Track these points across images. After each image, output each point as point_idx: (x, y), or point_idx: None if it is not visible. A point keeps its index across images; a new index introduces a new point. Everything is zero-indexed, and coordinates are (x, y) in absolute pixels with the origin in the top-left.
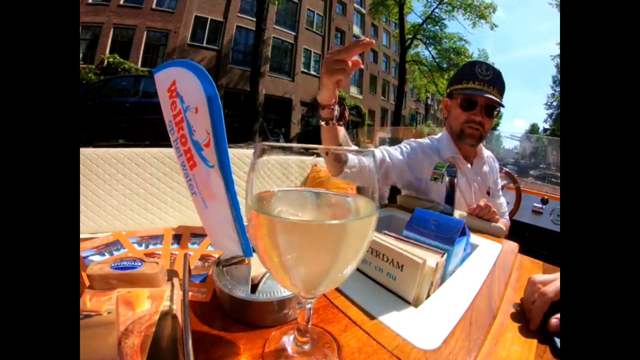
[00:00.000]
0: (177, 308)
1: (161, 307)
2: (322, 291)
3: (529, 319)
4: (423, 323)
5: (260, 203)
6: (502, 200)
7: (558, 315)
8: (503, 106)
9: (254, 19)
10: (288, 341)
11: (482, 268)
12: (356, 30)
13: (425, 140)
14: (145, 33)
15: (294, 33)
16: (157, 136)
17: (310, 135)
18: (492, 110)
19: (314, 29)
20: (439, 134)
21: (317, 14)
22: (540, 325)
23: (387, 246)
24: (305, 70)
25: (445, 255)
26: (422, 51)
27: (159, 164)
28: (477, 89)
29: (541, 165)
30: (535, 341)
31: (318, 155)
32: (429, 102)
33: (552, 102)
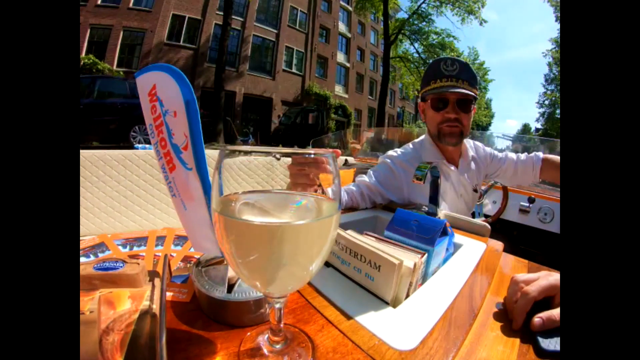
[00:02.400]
0: (157, 307)
1: (141, 307)
2: (289, 290)
3: (512, 318)
4: (401, 323)
5: (224, 205)
6: (511, 155)
7: (541, 315)
8: (476, 97)
9: (234, 17)
10: (263, 340)
11: (465, 268)
12: (342, 27)
13: (405, 150)
14: (121, 33)
15: (275, 31)
16: (108, 139)
17: (280, 134)
18: (466, 104)
19: (297, 27)
20: (421, 137)
21: (300, 11)
22: (523, 325)
23: (365, 247)
24: (287, 69)
25: (426, 256)
26: (409, 47)
27: (146, 166)
28: (445, 86)
29: None
30: (518, 340)
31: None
32: (419, 100)
33: (544, 101)
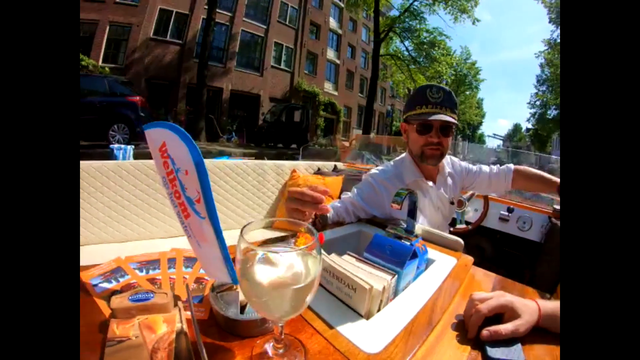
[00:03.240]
0: (186, 327)
1: (175, 328)
2: (289, 318)
3: (467, 329)
4: (371, 332)
5: (243, 265)
6: (484, 168)
7: (489, 328)
8: (457, 125)
9: (222, 12)
10: (269, 347)
11: (432, 284)
12: (333, 24)
13: (387, 169)
14: (107, 28)
15: (264, 26)
16: (87, 138)
17: (264, 132)
18: (448, 129)
19: (287, 22)
20: (402, 156)
21: (291, 6)
22: (476, 335)
23: (343, 272)
24: (276, 65)
25: (396, 277)
26: (400, 45)
27: (142, 176)
28: (430, 112)
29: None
30: (469, 347)
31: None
32: (402, 121)
33: (535, 102)
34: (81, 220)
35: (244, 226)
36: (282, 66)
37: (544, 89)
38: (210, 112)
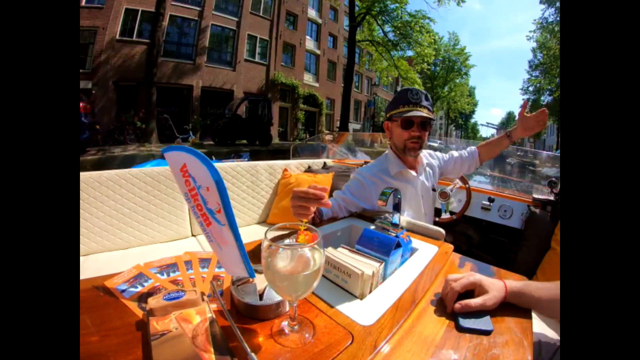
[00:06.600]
0: (214, 316)
1: (207, 317)
2: (302, 297)
3: (444, 305)
4: (365, 309)
5: (267, 259)
6: (455, 154)
7: (460, 302)
8: (434, 120)
9: (189, 7)
10: (285, 325)
11: (415, 269)
12: (312, 13)
13: (372, 165)
14: None
15: (236, 19)
16: None
17: (220, 128)
18: (426, 124)
19: (261, 13)
20: (385, 152)
21: None
22: (452, 310)
23: (339, 262)
24: (250, 59)
25: (383, 264)
26: (379, 31)
27: (140, 184)
28: (411, 110)
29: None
30: (446, 320)
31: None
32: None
33: (527, 87)
34: (83, 230)
35: (267, 231)
36: (257, 59)
37: (537, 74)
38: (181, 111)
